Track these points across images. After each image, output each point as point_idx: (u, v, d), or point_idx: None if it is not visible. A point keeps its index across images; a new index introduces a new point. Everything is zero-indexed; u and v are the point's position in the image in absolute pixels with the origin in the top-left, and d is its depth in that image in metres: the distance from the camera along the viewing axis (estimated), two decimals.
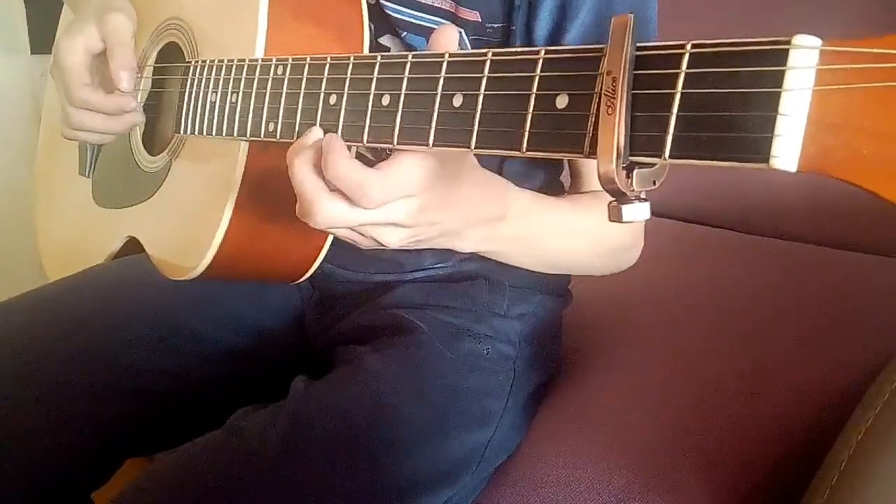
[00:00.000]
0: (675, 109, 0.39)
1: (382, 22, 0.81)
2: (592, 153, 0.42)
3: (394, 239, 0.61)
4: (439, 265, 0.88)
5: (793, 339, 0.93)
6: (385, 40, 0.82)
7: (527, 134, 0.46)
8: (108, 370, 0.85)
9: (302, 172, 0.57)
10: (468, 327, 0.85)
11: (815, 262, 1.13)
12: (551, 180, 0.89)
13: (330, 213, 0.56)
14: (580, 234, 0.78)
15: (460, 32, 0.77)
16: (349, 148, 0.57)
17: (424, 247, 0.65)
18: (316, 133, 0.60)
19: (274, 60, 0.67)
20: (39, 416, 0.82)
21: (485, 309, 0.86)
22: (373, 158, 0.82)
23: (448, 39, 0.56)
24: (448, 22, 0.78)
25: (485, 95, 0.49)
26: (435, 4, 0.77)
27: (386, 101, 0.56)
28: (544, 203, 0.75)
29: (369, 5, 0.80)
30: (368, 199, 0.54)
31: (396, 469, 0.73)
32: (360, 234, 0.61)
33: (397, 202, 0.57)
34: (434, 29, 0.77)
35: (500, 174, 0.70)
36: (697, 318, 1.00)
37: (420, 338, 0.82)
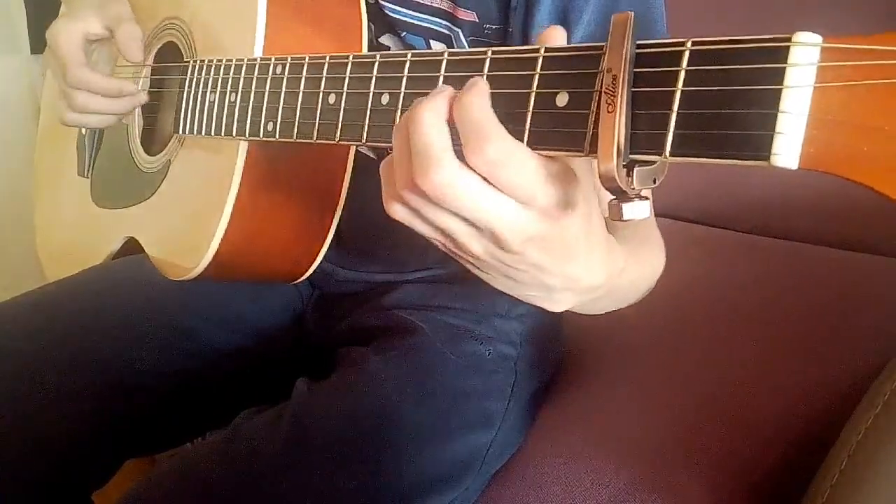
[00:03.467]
0: (675, 107, 0.39)
1: (382, 21, 0.81)
2: (593, 151, 0.42)
3: (480, 251, 0.49)
4: (440, 265, 0.88)
5: (793, 339, 0.93)
6: (385, 40, 0.82)
7: (527, 132, 0.46)
8: (108, 370, 0.85)
9: (430, 120, 0.45)
10: (469, 328, 0.85)
11: (815, 262, 1.13)
12: None
13: (451, 176, 0.44)
14: (640, 279, 0.70)
15: (459, 33, 0.77)
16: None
17: (501, 286, 0.55)
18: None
19: (273, 60, 0.67)
20: (39, 416, 0.82)
21: (486, 309, 0.86)
22: (374, 156, 0.83)
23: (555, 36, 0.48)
24: (448, 22, 0.78)
25: None
26: (433, 4, 0.78)
27: (385, 100, 0.55)
28: (632, 260, 0.61)
29: (368, 5, 0.80)
30: (493, 156, 0.43)
31: (399, 471, 0.73)
32: (454, 230, 0.48)
33: (523, 210, 0.45)
34: (432, 29, 0.78)
35: None
36: (697, 318, 1.00)
37: (421, 339, 0.82)
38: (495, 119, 0.44)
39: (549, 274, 0.50)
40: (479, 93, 0.44)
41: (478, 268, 0.52)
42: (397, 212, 0.49)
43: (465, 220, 0.46)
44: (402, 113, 0.54)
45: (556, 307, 0.55)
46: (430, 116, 0.45)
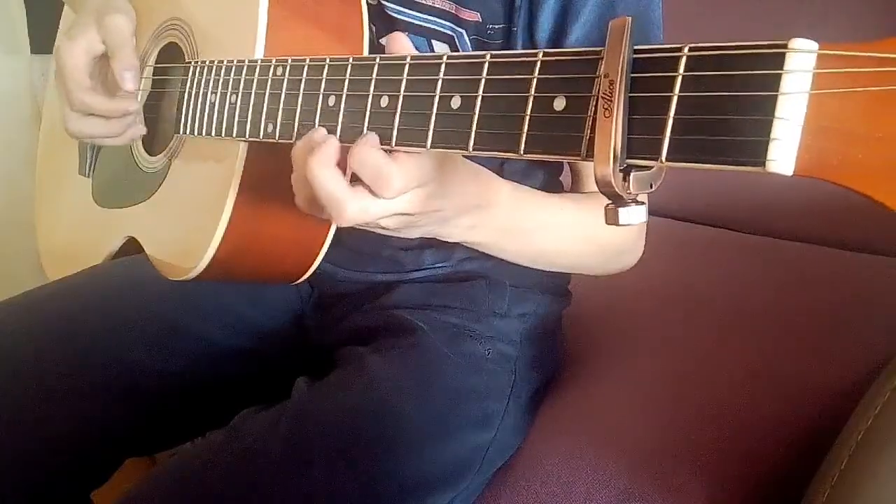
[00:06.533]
0: (672, 112, 0.39)
1: (384, 22, 0.81)
2: (589, 156, 0.42)
3: (392, 224, 0.61)
4: (439, 265, 0.88)
5: (793, 339, 0.93)
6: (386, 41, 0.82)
7: (524, 136, 0.46)
8: (107, 370, 0.85)
9: (323, 173, 0.56)
10: (469, 327, 0.85)
11: (815, 262, 1.13)
12: (551, 180, 0.89)
13: (357, 210, 0.56)
14: (573, 232, 0.77)
15: (462, 33, 0.77)
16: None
17: (414, 235, 0.66)
18: (321, 132, 0.59)
19: (273, 61, 0.67)
20: (39, 415, 0.82)
21: (485, 309, 0.86)
22: None
23: (399, 46, 0.58)
24: (450, 23, 0.78)
25: (483, 97, 0.49)
26: (435, 5, 0.78)
27: (384, 102, 0.55)
28: (536, 197, 0.75)
29: (370, 6, 0.80)
30: (389, 188, 0.54)
31: (398, 470, 0.73)
32: (375, 226, 0.62)
33: (408, 193, 0.57)
34: (435, 30, 0.78)
35: (500, 174, 0.70)
36: (697, 318, 1.00)
37: (421, 338, 0.82)
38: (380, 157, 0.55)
39: (443, 209, 0.62)
40: (366, 142, 0.55)
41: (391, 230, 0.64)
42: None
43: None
44: (400, 116, 0.54)
45: (451, 231, 0.67)
46: (322, 170, 0.56)
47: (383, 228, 0.62)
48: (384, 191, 0.54)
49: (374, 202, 0.56)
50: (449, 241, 0.69)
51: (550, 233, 0.76)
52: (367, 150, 0.55)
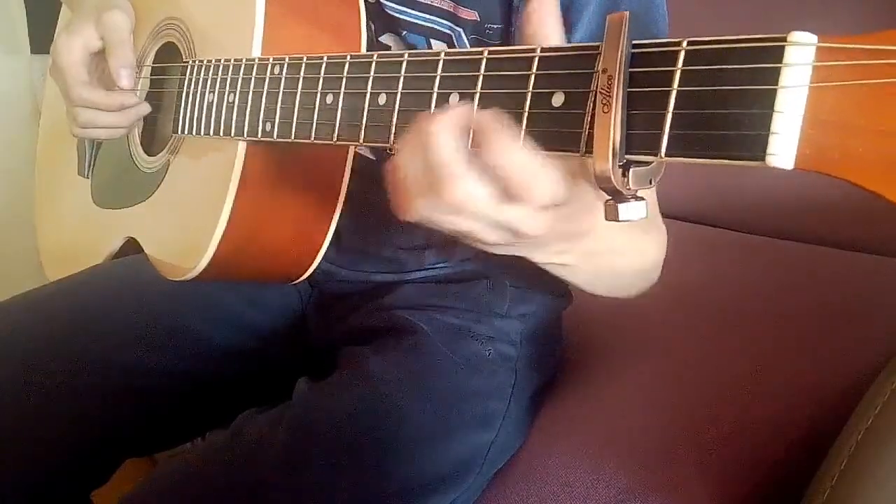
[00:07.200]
0: (671, 107, 0.39)
1: (383, 20, 0.81)
2: (589, 152, 0.42)
3: (494, 239, 0.50)
4: (440, 265, 0.87)
5: (793, 339, 0.93)
6: (385, 39, 0.82)
7: (523, 132, 0.46)
8: (107, 370, 0.85)
9: (444, 136, 0.45)
10: (470, 328, 0.84)
11: (815, 262, 1.13)
12: None
13: (465, 193, 0.45)
14: (637, 251, 0.72)
15: (461, 32, 0.77)
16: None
17: (503, 252, 0.55)
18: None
19: (271, 60, 0.67)
20: (39, 415, 0.82)
21: (486, 309, 0.86)
22: (373, 157, 0.83)
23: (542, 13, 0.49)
24: (449, 22, 0.78)
25: (481, 94, 0.49)
26: (434, 4, 0.77)
27: (382, 100, 0.55)
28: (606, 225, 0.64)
29: (369, 4, 0.80)
30: (537, 195, 0.45)
31: (400, 471, 0.73)
32: (473, 230, 0.50)
33: (542, 210, 0.47)
34: (434, 28, 0.78)
35: None
36: (697, 318, 1.00)
37: (422, 339, 0.82)
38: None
39: (553, 242, 0.54)
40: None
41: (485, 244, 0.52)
42: (412, 217, 0.49)
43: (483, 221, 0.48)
44: (398, 113, 0.54)
45: (540, 256, 0.57)
46: (444, 133, 0.46)
47: (478, 241, 0.51)
48: (530, 196, 0.45)
49: (483, 191, 0.45)
50: (532, 261, 0.59)
51: (625, 255, 0.69)
52: (515, 151, 0.45)
